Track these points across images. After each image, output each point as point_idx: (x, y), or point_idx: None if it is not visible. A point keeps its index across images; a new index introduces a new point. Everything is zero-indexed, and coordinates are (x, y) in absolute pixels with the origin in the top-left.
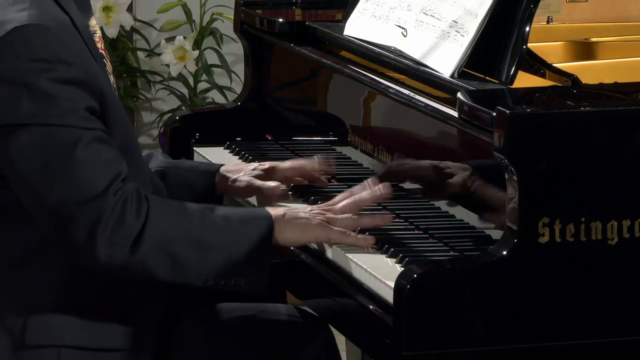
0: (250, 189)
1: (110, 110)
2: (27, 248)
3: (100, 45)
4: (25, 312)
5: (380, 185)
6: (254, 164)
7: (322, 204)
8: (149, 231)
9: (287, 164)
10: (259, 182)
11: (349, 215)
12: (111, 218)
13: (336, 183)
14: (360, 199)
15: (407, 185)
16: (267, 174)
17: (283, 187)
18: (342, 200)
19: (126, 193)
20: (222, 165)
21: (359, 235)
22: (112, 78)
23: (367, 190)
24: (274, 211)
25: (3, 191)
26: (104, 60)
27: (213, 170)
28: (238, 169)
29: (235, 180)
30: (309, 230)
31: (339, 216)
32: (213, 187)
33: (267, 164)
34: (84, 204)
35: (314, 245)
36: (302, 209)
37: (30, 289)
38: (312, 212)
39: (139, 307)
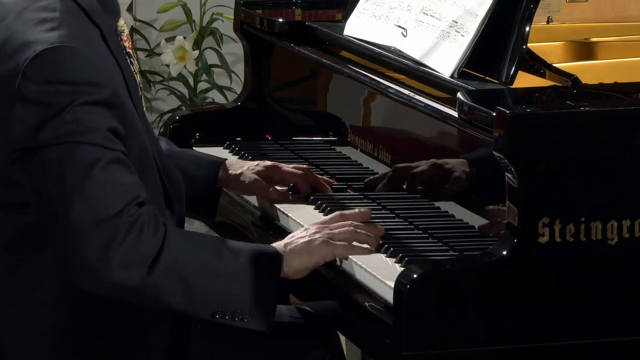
0: (254, 187)
1: (130, 128)
2: (39, 275)
3: (127, 44)
4: (37, 337)
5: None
6: (255, 161)
7: (317, 222)
8: (166, 254)
9: (290, 167)
10: (264, 183)
11: (345, 227)
12: (127, 239)
13: (352, 193)
14: (351, 214)
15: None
16: (268, 172)
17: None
18: (334, 219)
19: (143, 216)
20: (226, 159)
21: (363, 245)
22: (138, 77)
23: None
24: (276, 245)
25: (19, 214)
26: (131, 59)
27: (217, 163)
28: (240, 164)
29: (240, 175)
30: (313, 252)
31: (336, 230)
32: (215, 179)
33: (269, 163)
34: (99, 223)
35: None
36: (297, 234)
37: (41, 314)
38: (309, 232)
39: (147, 328)
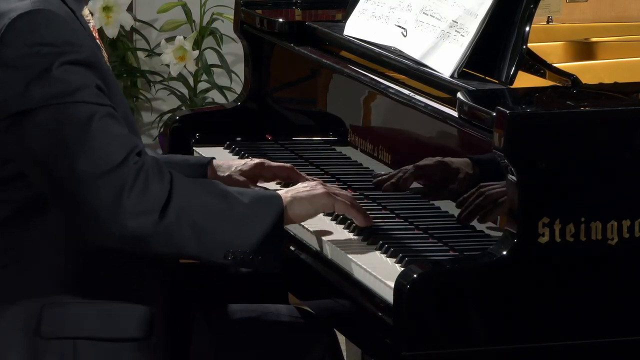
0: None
1: (110, 87)
2: (37, 242)
3: (95, 35)
4: (40, 304)
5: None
6: (242, 160)
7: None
8: (175, 199)
9: (276, 163)
10: (250, 185)
11: (346, 193)
12: (136, 185)
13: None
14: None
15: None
16: (256, 170)
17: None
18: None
19: (147, 163)
20: (213, 158)
21: (360, 213)
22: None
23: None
24: (279, 192)
25: (15, 189)
26: (101, 50)
27: (204, 163)
28: (228, 165)
29: (227, 178)
30: (315, 199)
31: (338, 191)
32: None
33: (255, 160)
34: (105, 174)
35: (315, 246)
36: (299, 185)
37: (44, 281)
38: (311, 184)
39: (149, 295)
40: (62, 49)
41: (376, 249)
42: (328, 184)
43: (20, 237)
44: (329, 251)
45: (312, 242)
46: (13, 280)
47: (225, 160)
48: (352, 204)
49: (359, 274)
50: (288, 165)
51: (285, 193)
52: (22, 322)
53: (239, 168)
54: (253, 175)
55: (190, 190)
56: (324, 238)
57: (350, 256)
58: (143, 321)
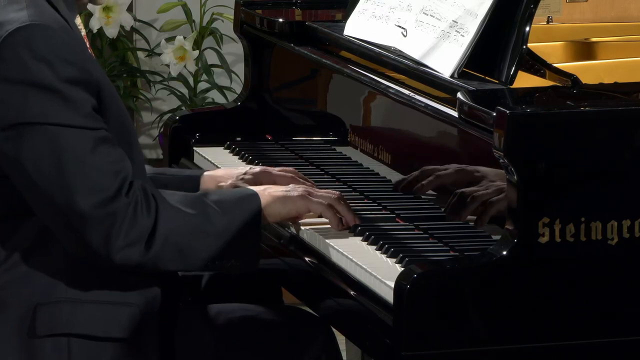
0: None
1: (104, 96)
2: (28, 242)
3: (87, 44)
4: (34, 303)
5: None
6: (243, 169)
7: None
8: (160, 228)
9: (277, 170)
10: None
11: (329, 193)
12: (125, 220)
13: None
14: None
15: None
16: (259, 179)
17: None
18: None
19: (135, 193)
20: (205, 171)
21: (338, 215)
22: None
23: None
24: (256, 188)
25: (4, 189)
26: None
27: (197, 176)
28: (229, 175)
29: (228, 184)
30: (288, 201)
31: (319, 192)
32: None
33: (257, 168)
34: (98, 207)
35: (315, 246)
36: (281, 185)
37: (36, 281)
38: (291, 185)
39: (139, 294)
40: (58, 65)
41: (376, 249)
42: (319, 189)
43: (10, 237)
44: (328, 251)
45: (312, 241)
46: (5, 281)
47: (226, 170)
48: (329, 206)
49: (358, 274)
50: (290, 171)
51: (263, 191)
52: (16, 322)
53: (240, 177)
54: (254, 184)
55: (174, 214)
56: (323, 238)
57: (350, 256)
58: (134, 321)
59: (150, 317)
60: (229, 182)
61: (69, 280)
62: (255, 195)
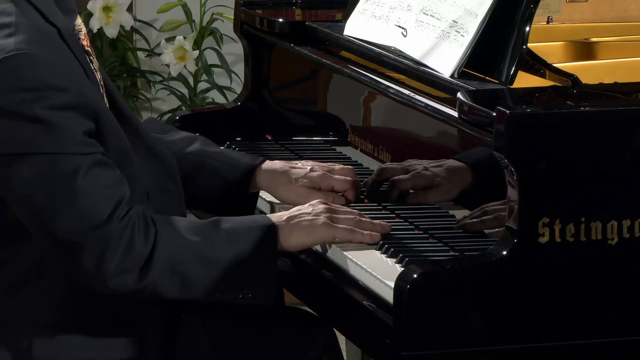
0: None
1: (102, 120)
2: (26, 268)
3: (85, 42)
4: (30, 330)
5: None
6: (302, 167)
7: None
8: (158, 255)
9: (337, 173)
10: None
11: (351, 215)
12: (119, 245)
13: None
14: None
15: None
16: (317, 183)
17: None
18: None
19: (132, 218)
20: (263, 160)
21: (365, 232)
22: (98, 75)
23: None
24: (276, 217)
25: (0, 212)
26: (91, 57)
27: (253, 167)
28: (287, 176)
29: (286, 186)
30: (314, 232)
31: (342, 216)
32: (247, 184)
33: (319, 173)
34: (90, 232)
35: (317, 248)
36: (303, 209)
37: (33, 308)
38: (315, 210)
39: (139, 315)
40: (46, 93)
41: (376, 249)
42: (336, 205)
43: (9, 261)
44: (328, 251)
45: None
46: (4, 305)
47: (284, 164)
48: (354, 229)
49: (358, 274)
50: (348, 173)
51: (285, 220)
52: (12, 348)
53: (298, 180)
54: (312, 188)
55: (176, 241)
56: None
57: (350, 256)
58: (132, 341)
59: (150, 337)
60: (287, 186)
61: (65, 307)
62: (272, 227)
